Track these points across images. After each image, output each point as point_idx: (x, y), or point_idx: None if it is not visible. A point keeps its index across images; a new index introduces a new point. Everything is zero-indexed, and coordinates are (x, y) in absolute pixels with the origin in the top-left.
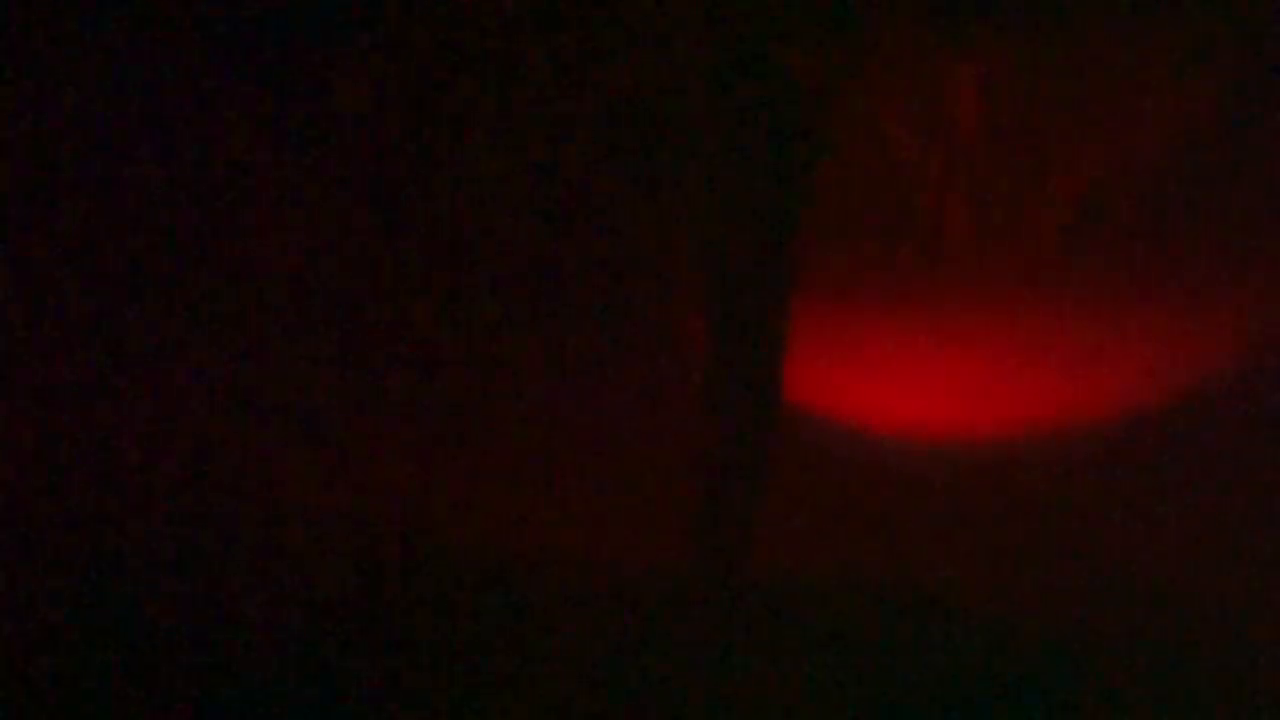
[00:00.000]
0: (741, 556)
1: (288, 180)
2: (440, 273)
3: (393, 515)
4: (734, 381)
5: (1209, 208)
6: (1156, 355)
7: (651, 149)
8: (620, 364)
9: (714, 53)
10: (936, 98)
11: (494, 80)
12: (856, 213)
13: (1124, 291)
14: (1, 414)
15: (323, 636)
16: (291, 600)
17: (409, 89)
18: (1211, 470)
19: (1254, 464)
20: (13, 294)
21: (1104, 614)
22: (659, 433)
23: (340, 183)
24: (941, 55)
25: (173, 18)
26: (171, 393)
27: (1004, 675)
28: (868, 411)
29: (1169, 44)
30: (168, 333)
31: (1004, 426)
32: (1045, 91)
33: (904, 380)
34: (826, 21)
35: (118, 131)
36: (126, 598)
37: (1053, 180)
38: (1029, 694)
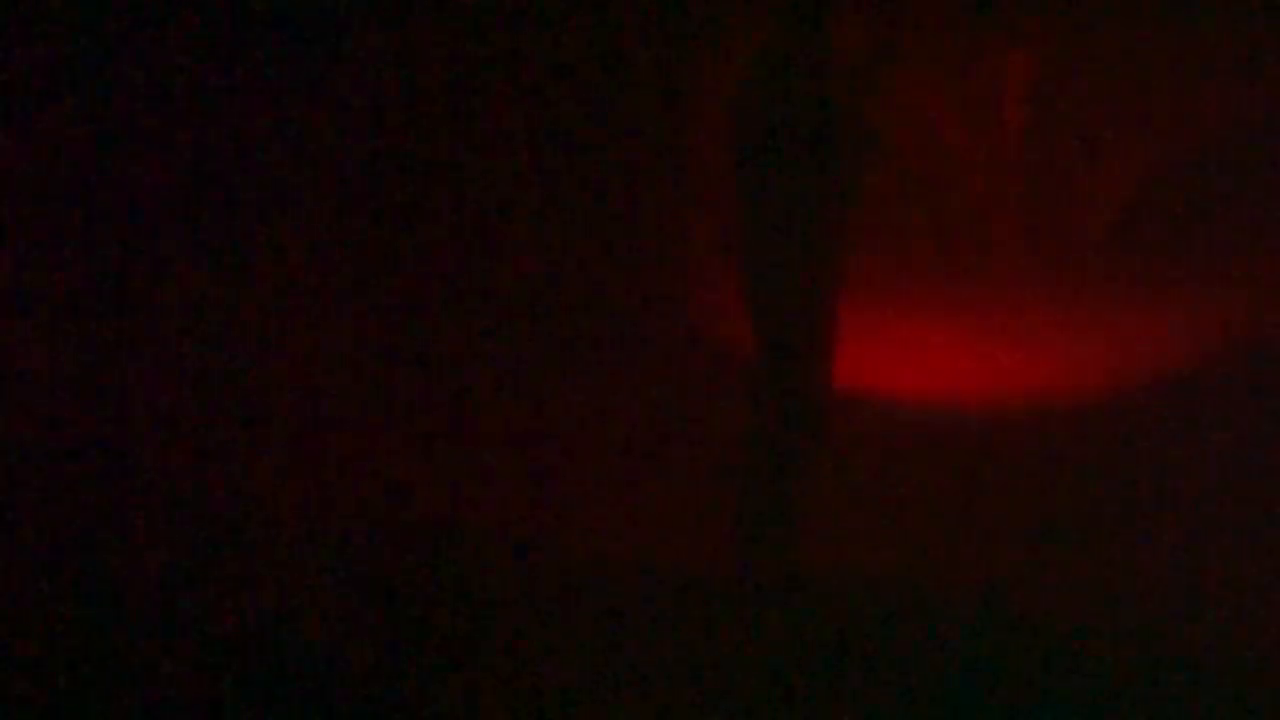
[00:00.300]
0: (789, 552)
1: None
2: (478, 268)
3: (428, 513)
4: (778, 375)
5: (1255, 202)
6: (1201, 353)
7: (691, 139)
8: (661, 359)
9: (755, 40)
10: (982, 87)
11: (524, 65)
12: (901, 204)
13: (1171, 286)
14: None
15: (351, 637)
16: (312, 596)
17: (427, 77)
18: (1236, 470)
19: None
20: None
21: (1150, 614)
22: (702, 428)
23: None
24: (986, 43)
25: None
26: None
27: (1040, 671)
28: (913, 406)
29: (1219, 36)
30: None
31: (1053, 421)
32: (1092, 81)
33: (949, 374)
34: (871, 8)
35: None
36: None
37: (1099, 172)
38: (1066, 691)
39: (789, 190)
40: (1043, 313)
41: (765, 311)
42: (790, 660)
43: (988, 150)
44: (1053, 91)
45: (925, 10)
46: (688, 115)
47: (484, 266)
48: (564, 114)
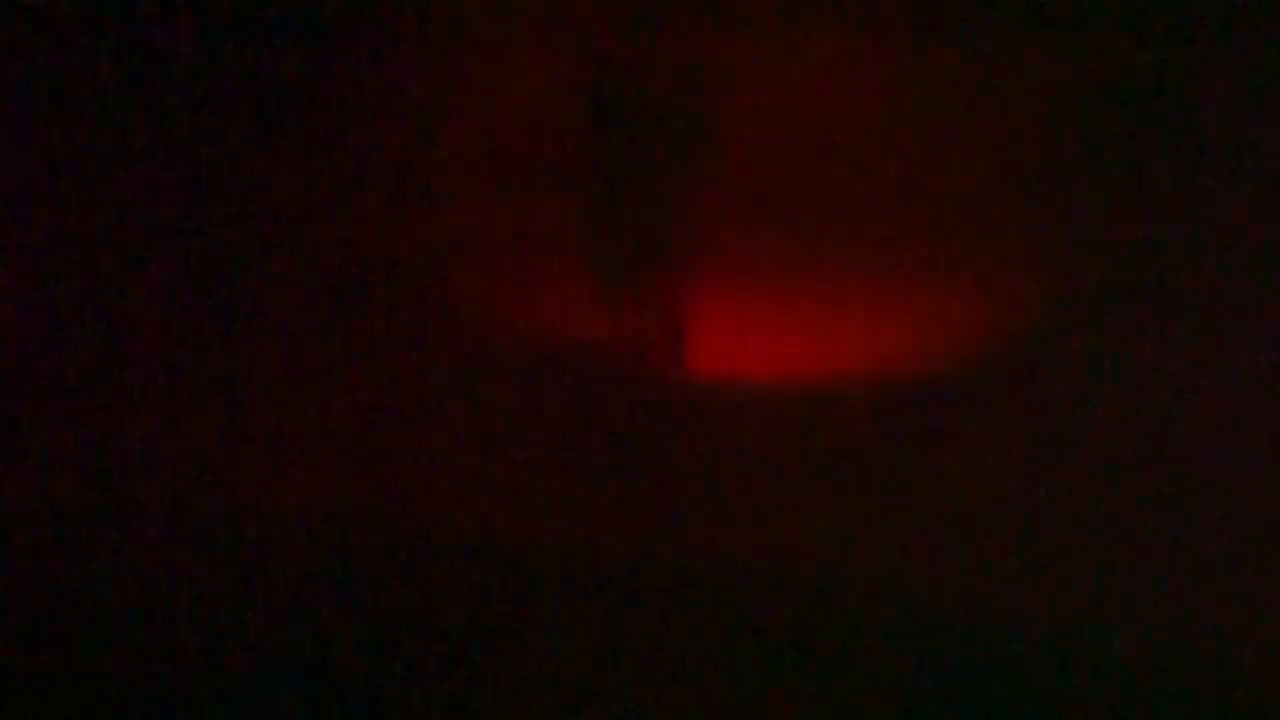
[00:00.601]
0: (647, 539)
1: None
2: (325, 261)
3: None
4: (628, 365)
5: (1103, 190)
6: (1056, 333)
7: (533, 129)
8: (515, 343)
9: (587, 32)
10: (829, 78)
11: (375, 63)
12: (749, 194)
13: (1027, 270)
14: None
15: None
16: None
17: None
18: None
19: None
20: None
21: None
22: (558, 418)
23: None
24: (830, 35)
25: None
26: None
27: (914, 653)
28: (768, 392)
29: (1074, 32)
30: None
31: (910, 404)
32: (939, 72)
33: (805, 361)
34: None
35: None
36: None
37: (949, 160)
38: (949, 674)
39: (632, 182)
40: (896, 298)
41: (612, 303)
42: (651, 649)
43: (837, 141)
44: (900, 82)
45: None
46: (521, 103)
47: (330, 258)
48: (398, 107)
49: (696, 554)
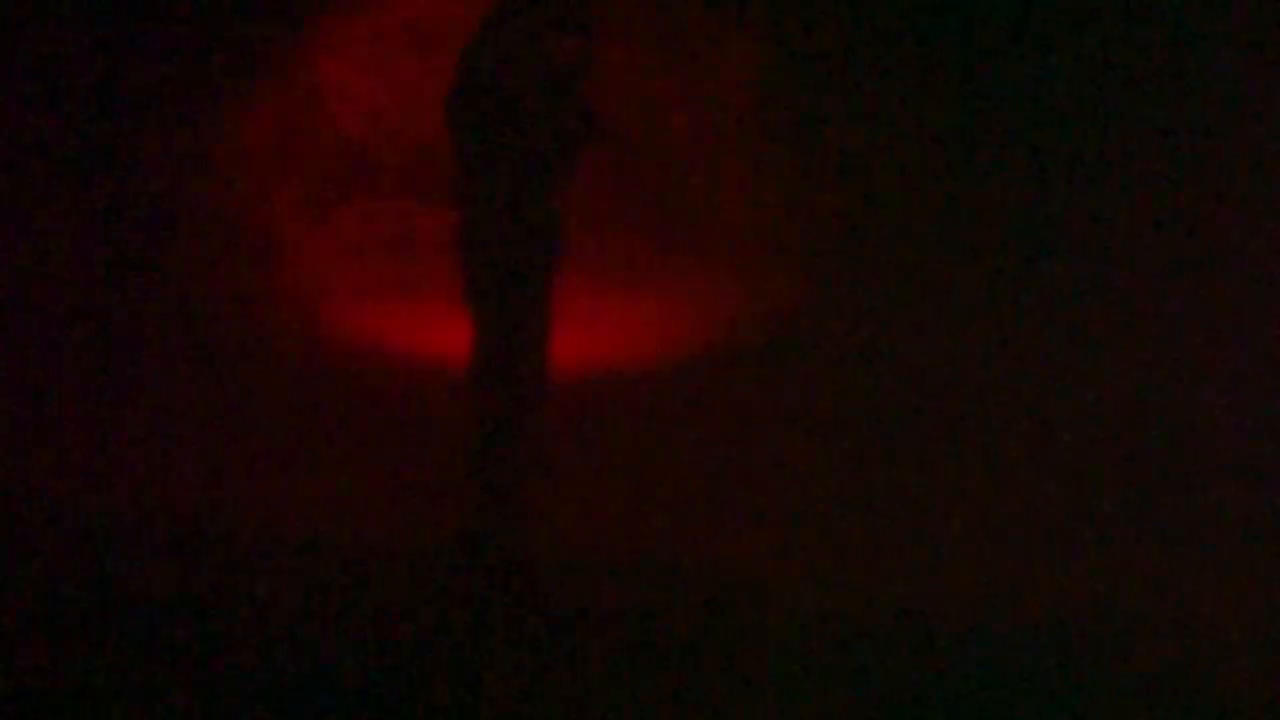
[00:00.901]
0: (510, 536)
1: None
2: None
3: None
4: (497, 359)
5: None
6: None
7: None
8: (384, 342)
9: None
10: (704, 72)
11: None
12: (621, 187)
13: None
14: None
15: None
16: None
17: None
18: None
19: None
20: None
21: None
22: (424, 414)
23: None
24: (708, 28)
25: None
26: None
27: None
28: (634, 387)
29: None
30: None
31: (778, 400)
32: (818, 73)
33: (673, 355)
34: None
35: None
36: None
37: (825, 163)
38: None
39: (508, 176)
40: (771, 295)
41: (484, 296)
42: (513, 642)
43: (710, 134)
44: (775, 78)
45: None
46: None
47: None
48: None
49: (575, 549)
